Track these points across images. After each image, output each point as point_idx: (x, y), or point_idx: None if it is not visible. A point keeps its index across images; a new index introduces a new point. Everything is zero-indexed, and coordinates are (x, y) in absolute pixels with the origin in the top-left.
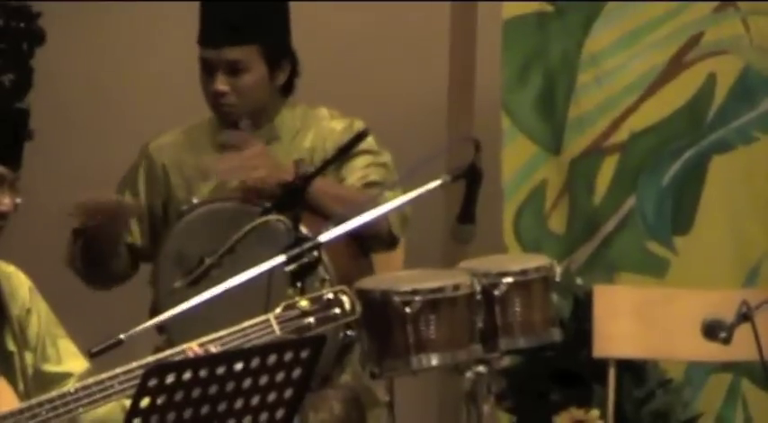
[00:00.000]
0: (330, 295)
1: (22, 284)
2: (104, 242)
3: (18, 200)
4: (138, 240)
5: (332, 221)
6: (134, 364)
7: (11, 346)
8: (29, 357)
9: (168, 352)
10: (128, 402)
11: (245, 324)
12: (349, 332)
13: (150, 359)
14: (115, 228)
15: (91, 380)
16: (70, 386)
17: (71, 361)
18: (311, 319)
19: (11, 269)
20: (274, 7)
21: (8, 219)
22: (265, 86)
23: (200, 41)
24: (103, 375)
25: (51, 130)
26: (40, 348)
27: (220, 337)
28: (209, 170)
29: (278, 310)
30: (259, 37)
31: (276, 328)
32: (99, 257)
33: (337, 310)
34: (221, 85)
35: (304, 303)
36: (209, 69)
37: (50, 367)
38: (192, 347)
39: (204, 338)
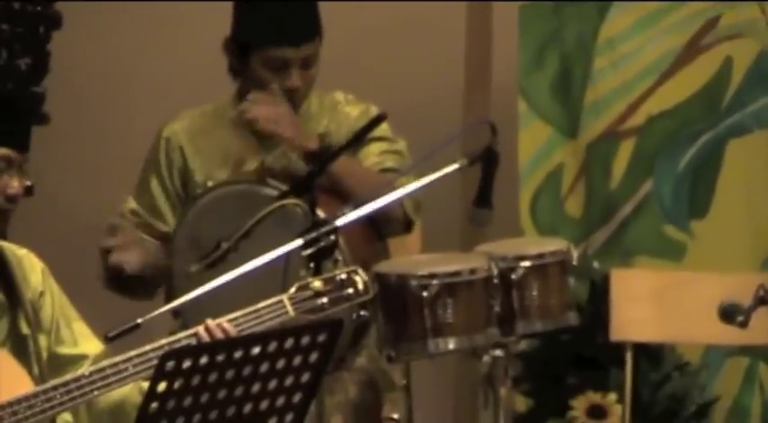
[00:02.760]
0: (343, 276)
1: (34, 267)
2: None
3: (28, 182)
4: (172, 226)
5: (349, 205)
6: (148, 347)
7: (24, 330)
8: (43, 340)
9: (182, 334)
10: (145, 384)
11: (259, 305)
12: (362, 312)
13: (164, 341)
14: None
15: (105, 363)
16: (84, 369)
17: (86, 343)
18: (324, 300)
19: (23, 252)
20: None
21: (17, 202)
22: None
23: (270, 41)
24: (117, 358)
25: (67, 115)
26: (55, 331)
27: (235, 318)
28: (242, 112)
29: (291, 291)
30: (320, 29)
31: (290, 308)
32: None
33: (350, 291)
34: (298, 81)
35: (317, 284)
36: (279, 67)
37: (65, 349)
38: (207, 323)
39: (219, 319)
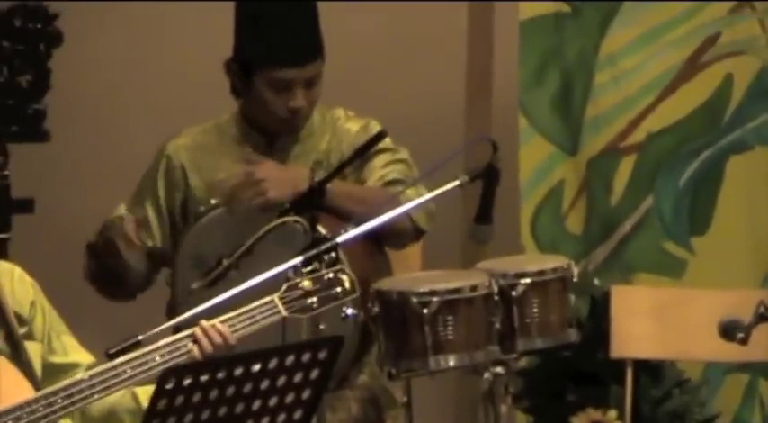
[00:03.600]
0: (330, 275)
1: (23, 280)
2: (111, 258)
3: None
4: (159, 243)
5: (351, 222)
6: (146, 350)
7: (16, 339)
8: (36, 350)
9: (178, 336)
10: (137, 389)
11: (252, 305)
12: (350, 311)
13: (162, 343)
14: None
15: (104, 366)
16: (84, 374)
17: (76, 353)
18: (314, 299)
19: (11, 266)
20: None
21: None
22: None
23: (274, 63)
24: (116, 361)
25: (67, 131)
26: (46, 341)
27: (228, 319)
28: (222, 191)
29: (282, 291)
30: (323, 48)
31: (281, 308)
32: (112, 272)
33: (338, 289)
34: (302, 101)
35: (306, 283)
36: (283, 88)
37: (57, 359)
38: (202, 324)
39: (213, 320)
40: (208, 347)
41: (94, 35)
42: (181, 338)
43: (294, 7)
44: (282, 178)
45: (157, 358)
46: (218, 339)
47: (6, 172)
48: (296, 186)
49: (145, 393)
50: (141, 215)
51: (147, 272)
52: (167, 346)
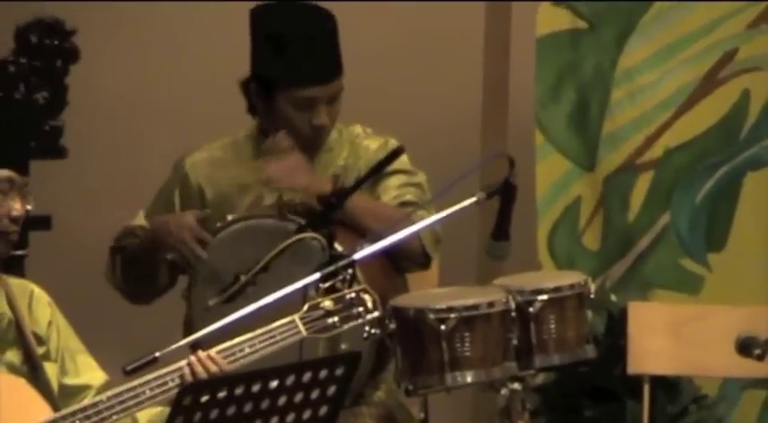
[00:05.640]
0: (352, 294)
1: (41, 300)
2: (146, 261)
3: (29, 206)
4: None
5: (367, 239)
6: (165, 370)
7: (35, 359)
8: (54, 369)
9: (170, 368)
10: (139, 415)
11: (272, 326)
12: (373, 330)
13: (183, 363)
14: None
15: (122, 388)
16: (102, 395)
17: (89, 373)
18: (335, 319)
19: (29, 285)
20: None
21: (20, 223)
22: None
23: (298, 82)
24: (135, 382)
25: (84, 147)
26: (60, 362)
27: (248, 340)
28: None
29: (303, 311)
30: (342, 65)
31: (302, 328)
32: (140, 274)
33: (360, 309)
34: (326, 118)
35: (328, 303)
36: (307, 106)
37: (69, 380)
38: (198, 355)
39: (231, 341)
40: (201, 375)
41: (111, 51)
42: (171, 371)
43: (315, 25)
44: (312, 173)
45: (177, 379)
46: (213, 369)
47: None
48: (321, 185)
49: (144, 417)
50: None
51: (166, 279)
52: (188, 365)
